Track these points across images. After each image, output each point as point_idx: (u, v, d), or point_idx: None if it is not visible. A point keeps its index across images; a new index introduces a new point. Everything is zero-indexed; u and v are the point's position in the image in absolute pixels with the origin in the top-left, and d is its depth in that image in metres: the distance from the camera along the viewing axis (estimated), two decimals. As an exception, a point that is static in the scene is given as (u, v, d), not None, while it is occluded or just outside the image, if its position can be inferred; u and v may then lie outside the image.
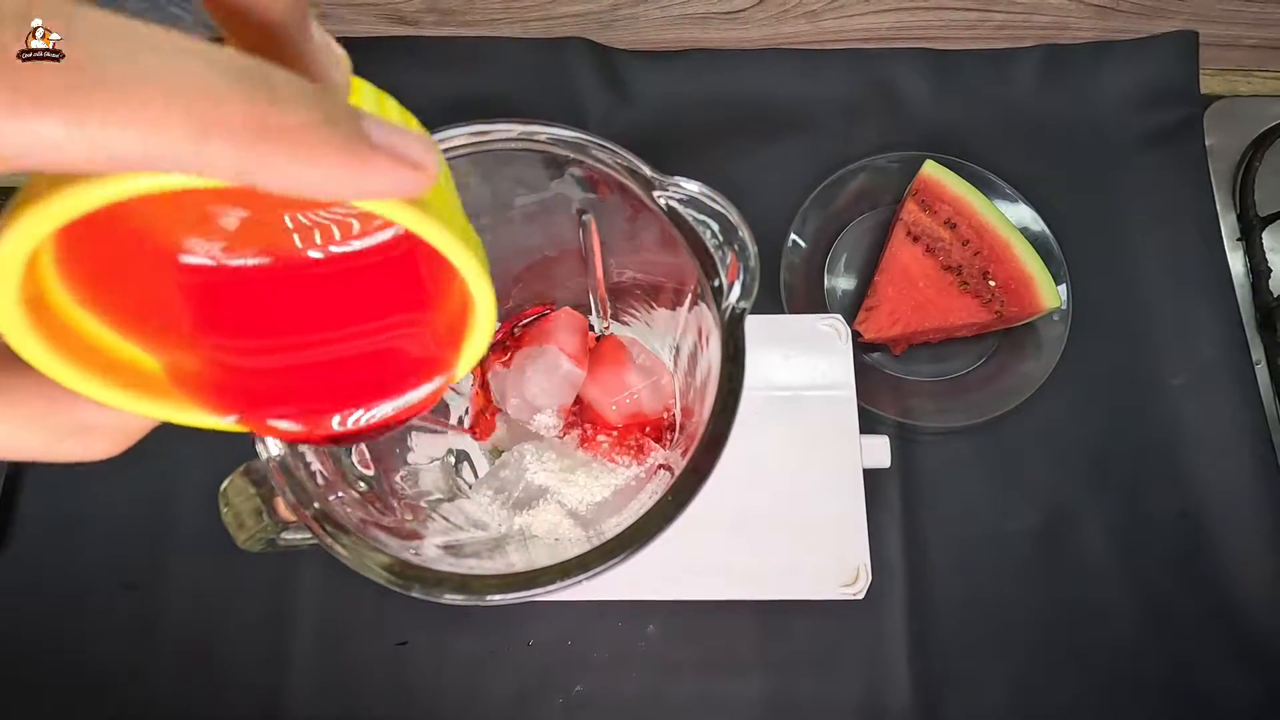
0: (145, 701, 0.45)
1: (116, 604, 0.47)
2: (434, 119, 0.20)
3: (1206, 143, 0.56)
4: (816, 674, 0.45)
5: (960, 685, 0.45)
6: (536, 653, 0.46)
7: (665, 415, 0.37)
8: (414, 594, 0.21)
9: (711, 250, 0.23)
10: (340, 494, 0.23)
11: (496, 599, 0.21)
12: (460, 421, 0.38)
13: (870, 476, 0.41)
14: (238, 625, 0.46)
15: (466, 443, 0.39)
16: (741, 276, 0.22)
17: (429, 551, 0.24)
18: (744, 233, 0.23)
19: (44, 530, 0.48)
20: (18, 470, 0.49)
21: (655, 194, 0.23)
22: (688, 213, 0.23)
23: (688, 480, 0.21)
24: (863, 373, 0.44)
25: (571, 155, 0.24)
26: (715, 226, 0.23)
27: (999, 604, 0.47)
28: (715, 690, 0.45)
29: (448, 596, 0.21)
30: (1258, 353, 0.53)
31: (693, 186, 0.23)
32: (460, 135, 0.26)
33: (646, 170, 0.23)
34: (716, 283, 0.23)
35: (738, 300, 0.22)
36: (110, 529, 0.48)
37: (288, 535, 0.25)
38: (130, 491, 0.49)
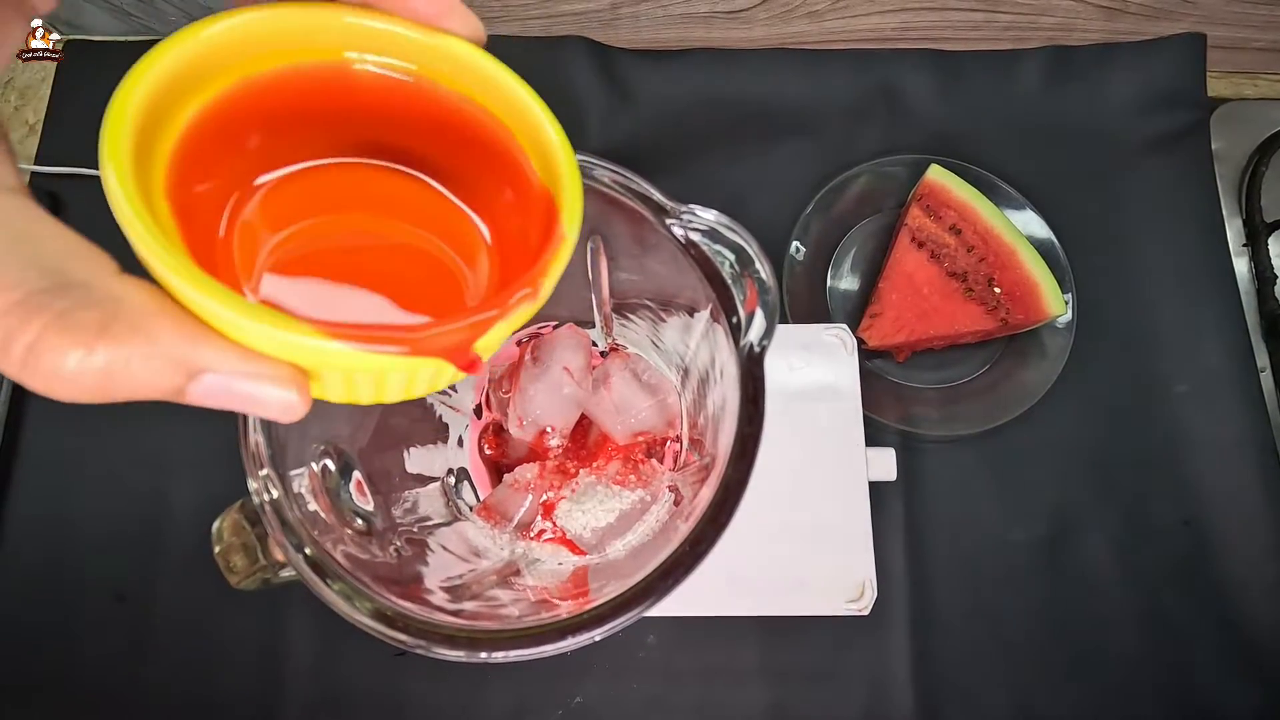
0: (137, 713, 0.45)
1: (107, 615, 0.46)
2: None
3: (1213, 146, 0.56)
4: (818, 687, 0.45)
5: (963, 697, 0.45)
6: (535, 663, 0.45)
7: (671, 434, 0.36)
8: (415, 651, 0.20)
9: (729, 283, 0.22)
10: (335, 535, 0.22)
11: (500, 657, 0.20)
12: (459, 442, 0.37)
13: (873, 486, 0.40)
14: (231, 635, 0.46)
15: (465, 458, 0.38)
16: (761, 311, 0.21)
17: (430, 598, 0.24)
18: (762, 267, 0.22)
19: (33, 535, 0.47)
20: (7, 472, 0.48)
21: (669, 223, 0.22)
22: (704, 243, 0.22)
23: (707, 530, 0.20)
24: (865, 380, 0.44)
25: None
26: (732, 258, 0.22)
27: (1002, 614, 0.47)
28: (716, 702, 0.45)
29: (448, 653, 0.20)
30: (1262, 360, 0.52)
31: (709, 215, 0.22)
32: None
33: (660, 198, 0.22)
34: (735, 319, 0.22)
35: (759, 339, 0.21)
36: (101, 538, 0.47)
37: (284, 574, 0.24)
38: (122, 498, 0.48)
